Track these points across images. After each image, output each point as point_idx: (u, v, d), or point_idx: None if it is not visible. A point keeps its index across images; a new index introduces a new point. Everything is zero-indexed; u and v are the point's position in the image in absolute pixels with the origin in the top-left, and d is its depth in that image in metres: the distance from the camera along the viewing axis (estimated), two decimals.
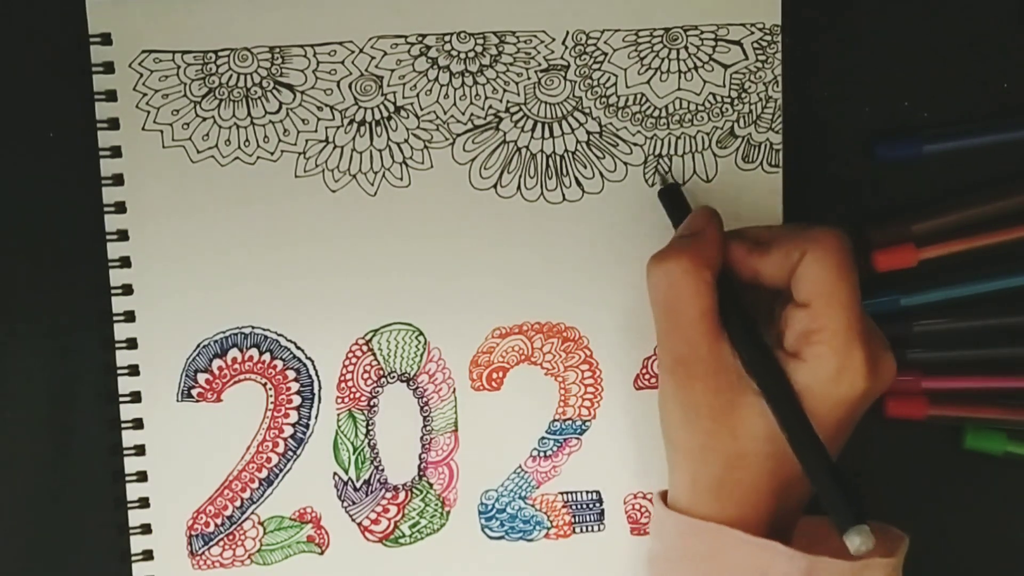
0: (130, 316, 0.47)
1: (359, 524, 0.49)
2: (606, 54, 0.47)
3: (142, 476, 0.47)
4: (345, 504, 0.48)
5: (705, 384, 0.41)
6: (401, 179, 0.47)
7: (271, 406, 0.48)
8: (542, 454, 0.49)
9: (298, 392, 0.48)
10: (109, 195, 0.46)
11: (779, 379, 0.41)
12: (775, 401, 0.41)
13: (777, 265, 0.42)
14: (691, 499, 0.43)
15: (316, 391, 0.48)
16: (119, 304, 0.47)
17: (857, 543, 0.38)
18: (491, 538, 0.49)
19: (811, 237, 0.41)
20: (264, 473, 0.48)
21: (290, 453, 0.48)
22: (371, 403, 0.48)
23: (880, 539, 0.42)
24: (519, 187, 0.48)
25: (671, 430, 0.43)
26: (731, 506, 0.42)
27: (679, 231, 0.44)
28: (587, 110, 0.48)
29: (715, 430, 0.42)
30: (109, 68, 0.46)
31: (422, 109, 0.47)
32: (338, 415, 0.48)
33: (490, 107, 0.47)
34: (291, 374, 0.48)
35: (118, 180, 0.46)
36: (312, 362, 0.48)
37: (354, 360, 0.48)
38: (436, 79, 0.47)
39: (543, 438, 0.49)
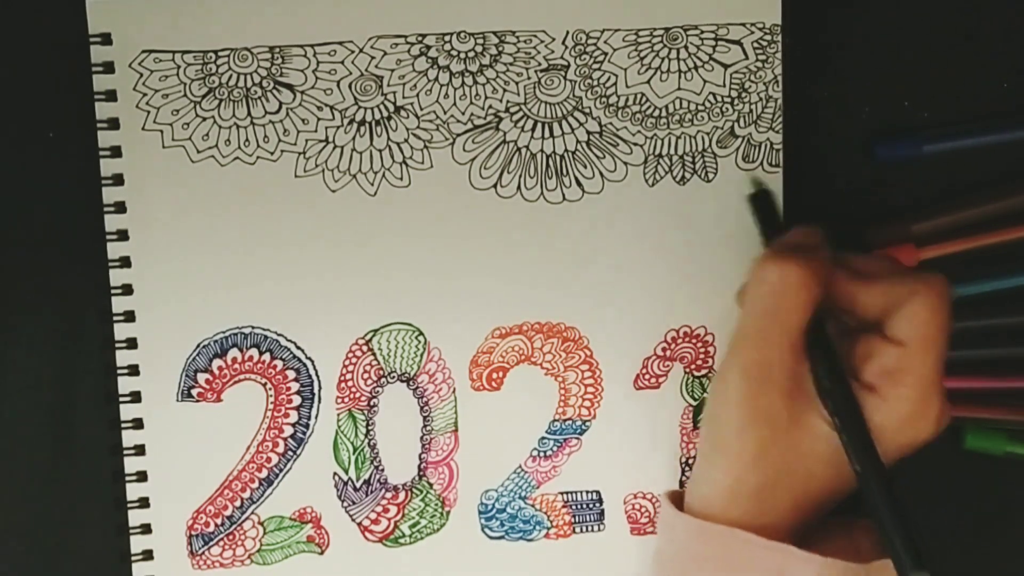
0: (130, 316, 0.47)
1: (359, 524, 0.49)
2: (606, 54, 0.47)
3: (142, 476, 0.47)
4: (345, 504, 0.48)
5: (778, 394, 0.41)
6: (401, 179, 0.47)
7: (271, 406, 0.48)
8: (542, 454, 0.49)
9: (298, 392, 0.48)
10: (109, 195, 0.46)
11: (857, 414, 0.41)
12: (852, 434, 0.41)
13: (879, 298, 0.41)
14: (727, 504, 0.42)
15: (316, 391, 0.48)
16: (119, 304, 0.47)
17: None
18: (491, 538, 0.49)
19: (924, 279, 0.41)
20: (264, 473, 0.48)
21: (290, 453, 0.48)
22: (371, 403, 0.48)
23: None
24: (519, 187, 0.48)
25: (722, 431, 0.42)
26: (766, 515, 0.42)
27: (791, 238, 0.44)
28: (587, 110, 0.48)
29: (772, 440, 0.41)
30: (109, 68, 0.46)
31: (422, 109, 0.47)
32: (338, 415, 0.48)
33: (490, 107, 0.47)
34: (291, 374, 0.48)
35: (118, 180, 0.46)
36: (312, 362, 0.48)
37: (354, 360, 0.48)
38: (436, 79, 0.47)
39: (543, 438, 0.49)
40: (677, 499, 0.45)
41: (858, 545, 0.42)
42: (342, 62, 0.47)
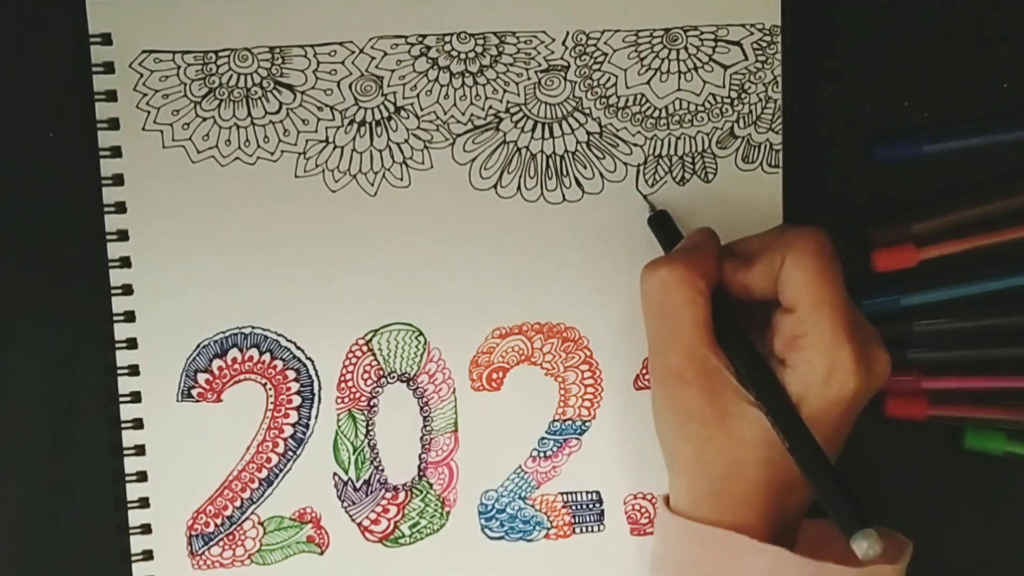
0: (130, 316, 0.47)
1: (359, 524, 0.49)
2: (606, 54, 0.47)
3: (142, 476, 0.47)
4: (345, 504, 0.48)
5: (698, 391, 0.41)
6: (401, 179, 0.47)
7: (271, 406, 0.48)
8: (542, 454, 0.49)
9: (298, 392, 0.48)
10: (109, 195, 0.46)
11: (775, 389, 0.41)
12: (773, 410, 0.41)
13: (762, 276, 0.42)
14: (691, 506, 0.43)
15: (316, 391, 0.48)
16: (119, 304, 0.47)
17: (864, 547, 0.38)
18: (491, 538, 0.49)
19: (787, 241, 0.41)
20: (264, 473, 0.48)
21: (290, 453, 0.48)
22: (371, 403, 0.48)
23: (885, 545, 0.42)
24: (519, 187, 0.48)
25: (666, 438, 0.43)
26: (730, 512, 0.42)
27: (679, 245, 0.45)
28: (587, 110, 0.48)
29: (710, 437, 0.42)
30: (109, 68, 0.46)
31: (422, 109, 0.47)
32: (338, 415, 0.48)
33: (490, 107, 0.47)
34: (291, 374, 0.48)
35: (118, 180, 0.46)
36: (312, 362, 0.48)
37: (354, 360, 0.48)
38: (436, 79, 0.47)
39: (543, 438, 0.49)
40: None
41: None
42: (342, 62, 0.47)
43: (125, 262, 0.46)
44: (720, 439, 0.41)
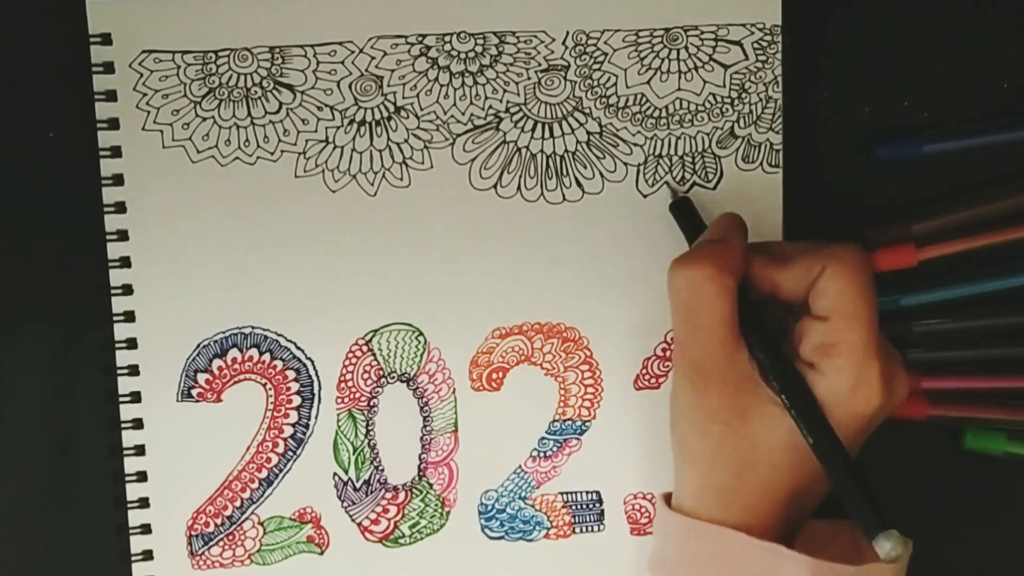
0: (130, 316, 0.47)
1: (359, 524, 0.49)
2: (606, 54, 0.47)
3: (142, 476, 0.47)
4: (345, 504, 0.48)
5: (721, 390, 0.42)
6: (401, 179, 0.47)
7: (271, 406, 0.48)
8: (542, 454, 0.49)
9: (298, 392, 0.48)
10: (109, 195, 0.46)
11: (802, 388, 0.41)
12: (800, 408, 0.41)
13: (796, 279, 0.42)
14: (696, 504, 0.43)
15: (316, 391, 0.48)
16: (119, 304, 0.47)
17: (887, 548, 0.38)
18: (491, 538, 0.49)
19: (832, 252, 0.41)
20: (264, 473, 0.48)
21: (290, 453, 0.48)
22: (371, 403, 0.48)
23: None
24: (519, 187, 0.48)
25: (682, 434, 0.43)
26: (736, 514, 0.42)
27: (704, 235, 0.44)
28: (587, 110, 0.48)
29: (727, 436, 0.42)
30: (109, 68, 0.46)
31: (422, 109, 0.47)
32: (338, 415, 0.48)
33: (490, 107, 0.47)
34: (291, 374, 0.48)
35: (118, 180, 0.46)
36: (312, 362, 0.48)
37: (354, 360, 0.48)
38: (436, 79, 0.47)
39: (543, 438, 0.49)
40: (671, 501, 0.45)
41: (860, 546, 0.42)
42: (342, 62, 0.47)
43: (125, 262, 0.46)
44: (737, 439, 0.41)
